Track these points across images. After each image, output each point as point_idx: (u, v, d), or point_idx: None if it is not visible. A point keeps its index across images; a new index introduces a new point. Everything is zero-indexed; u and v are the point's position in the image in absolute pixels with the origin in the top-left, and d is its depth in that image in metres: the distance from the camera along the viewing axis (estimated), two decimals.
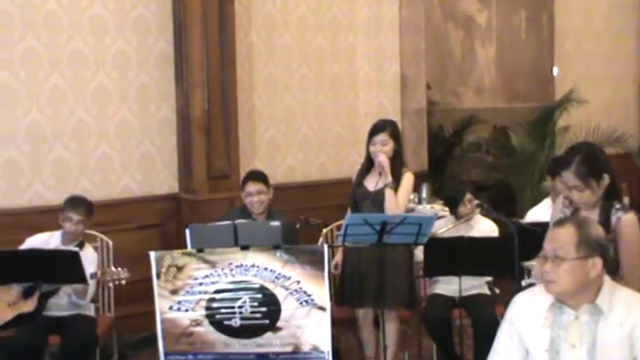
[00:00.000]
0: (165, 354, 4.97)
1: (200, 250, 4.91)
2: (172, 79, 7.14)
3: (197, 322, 4.91)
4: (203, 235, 5.27)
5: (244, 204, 5.93)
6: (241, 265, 4.86)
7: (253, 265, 4.85)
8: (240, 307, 4.88)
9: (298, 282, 4.82)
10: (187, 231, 5.30)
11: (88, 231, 5.97)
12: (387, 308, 5.58)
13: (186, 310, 4.90)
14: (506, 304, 3.63)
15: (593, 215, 4.11)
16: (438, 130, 10.02)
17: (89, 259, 5.53)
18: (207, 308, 4.89)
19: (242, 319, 4.87)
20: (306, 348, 4.86)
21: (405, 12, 8.56)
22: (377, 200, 5.62)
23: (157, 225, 7.10)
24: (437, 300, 5.91)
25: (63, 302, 5.57)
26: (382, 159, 5.60)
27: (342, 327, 6.11)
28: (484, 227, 6.00)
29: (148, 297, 4.96)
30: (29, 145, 6.53)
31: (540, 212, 6.17)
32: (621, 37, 11.15)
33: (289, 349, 4.87)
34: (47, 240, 5.68)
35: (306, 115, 7.93)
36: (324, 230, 6.24)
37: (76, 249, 5.40)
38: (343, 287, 5.81)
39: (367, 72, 8.31)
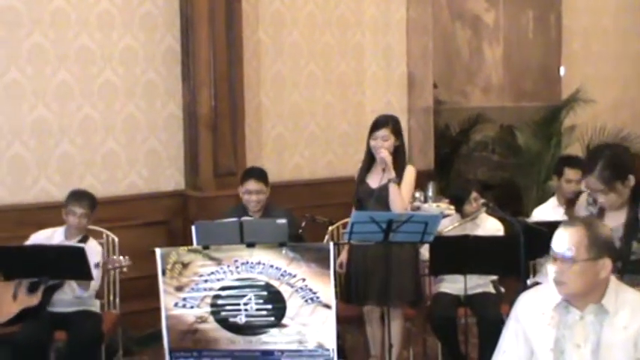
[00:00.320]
0: (171, 351, 4.97)
1: (206, 247, 4.92)
2: (179, 76, 7.15)
3: (202, 319, 4.91)
4: (209, 232, 5.26)
5: (241, 201, 5.91)
6: (247, 263, 4.86)
7: (259, 263, 4.85)
8: (245, 304, 4.88)
9: (304, 279, 4.82)
10: (193, 228, 5.30)
11: (93, 227, 5.99)
12: (393, 306, 5.57)
13: (192, 307, 4.91)
14: (511, 302, 3.62)
15: (621, 215, 4.10)
16: (445, 129, 10.01)
17: (93, 252, 5.53)
18: (213, 305, 4.90)
19: (247, 316, 4.87)
20: (311, 345, 4.86)
21: (412, 11, 8.55)
22: (381, 197, 5.60)
23: (163, 222, 7.11)
24: (442, 298, 5.90)
25: (68, 298, 5.58)
26: (384, 155, 5.58)
27: (348, 325, 6.11)
28: (490, 226, 6.00)
29: (154, 293, 4.96)
30: (35, 140, 6.54)
31: (546, 211, 6.15)
32: (629, 37, 11.13)
33: (294, 346, 4.87)
34: (50, 236, 5.70)
35: (314, 112, 7.93)
36: (330, 228, 6.23)
37: (82, 245, 5.42)
38: (349, 285, 5.81)
39: (375, 70, 8.31)
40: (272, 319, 4.87)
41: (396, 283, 5.51)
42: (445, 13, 10.36)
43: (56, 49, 6.57)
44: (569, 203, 5.97)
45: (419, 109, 8.74)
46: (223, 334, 4.91)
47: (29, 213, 6.35)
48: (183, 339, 4.96)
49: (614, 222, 4.06)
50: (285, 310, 4.85)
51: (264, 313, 4.88)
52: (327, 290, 4.82)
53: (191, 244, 5.21)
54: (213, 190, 7.01)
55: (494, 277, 6.00)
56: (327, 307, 4.83)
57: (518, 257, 4.80)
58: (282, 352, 4.89)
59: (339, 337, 5.11)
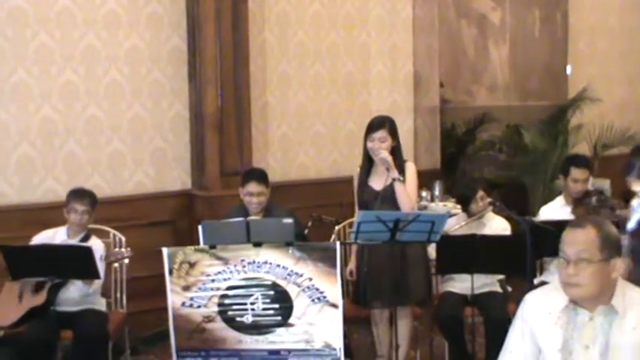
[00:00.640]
0: (178, 350, 4.99)
1: (212, 247, 4.93)
2: (185, 76, 7.15)
3: (209, 319, 4.93)
4: (216, 231, 5.26)
5: (242, 202, 5.89)
6: (254, 262, 4.88)
7: (266, 262, 4.87)
8: (252, 303, 4.89)
9: (310, 279, 4.84)
10: (200, 227, 5.30)
11: (100, 226, 6.01)
12: (404, 305, 5.56)
13: (199, 307, 4.92)
14: (518, 302, 3.61)
15: None
16: (451, 128, 10.01)
17: (96, 250, 5.52)
18: (220, 305, 4.92)
19: (254, 315, 4.89)
20: (318, 345, 4.87)
21: (418, 10, 8.55)
22: (386, 197, 5.58)
23: (170, 221, 7.11)
24: (449, 298, 5.90)
25: (74, 297, 5.59)
26: (385, 155, 5.55)
27: (355, 324, 6.11)
28: (496, 225, 5.99)
29: (161, 293, 4.98)
30: (42, 140, 6.54)
31: (553, 210, 6.15)
32: (635, 36, 11.12)
33: (301, 345, 4.88)
34: (53, 236, 5.72)
35: (319, 112, 7.93)
36: (337, 227, 6.23)
37: (89, 245, 5.43)
38: (360, 288, 5.76)
39: (380, 70, 8.30)
40: (279, 318, 4.89)
41: (411, 280, 5.51)
42: (451, 12, 10.36)
43: (62, 49, 6.57)
44: (576, 202, 6.00)
45: (425, 108, 8.74)
46: (230, 334, 4.93)
47: (36, 213, 6.35)
48: (191, 338, 4.97)
49: None
50: (292, 309, 4.87)
51: (271, 312, 4.89)
52: (333, 290, 4.83)
53: (198, 243, 5.22)
54: (220, 189, 7.01)
55: (501, 277, 5.99)
56: (334, 306, 4.84)
57: (524, 256, 4.80)
58: (289, 351, 4.91)
59: (346, 336, 5.11)
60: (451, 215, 6.14)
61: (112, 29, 6.79)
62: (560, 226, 3.70)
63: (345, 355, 4.95)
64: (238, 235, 5.06)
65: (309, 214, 5.78)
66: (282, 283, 4.87)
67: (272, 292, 4.89)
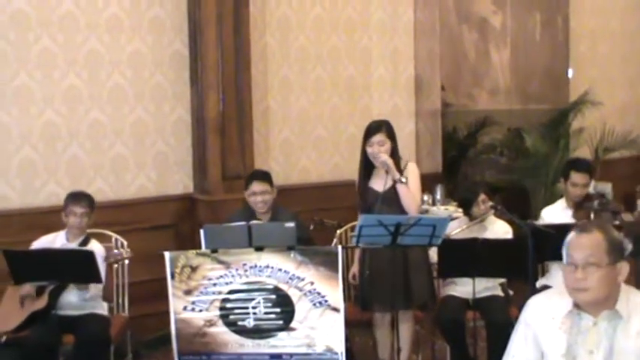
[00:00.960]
0: (180, 354, 5.00)
1: (214, 251, 4.94)
2: (187, 80, 7.16)
3: (211, 323, 4.93)
4: (217, 235, 5.27)
5: (247, 204, 5.92)
6: (255, 266, 4.88)
7: (267, 266, 4.87)
8: (254, 307, 4.90)
9: (312, 283, 4.84)
10: (202, 231, 5.31)
11: (102, 230, 6.01)
12: (407, 308, 5.56)
13: (201, 311, 4.93)
14: (520, 306, 3.62)
15: None
16: (453, 132, 10.02)
17: (97, 253, 5.53)
18: (222, 309, 4.92)
19: (256, 319, 4.90)
20: (319, 349, 4.88)
21: (419, 14, 8.56)
22: (387, 199, 5.58)
23: (172, 225, 7.12)
24: (450, 302, 5.90)
25: (75, 301, 5.59)
26: (385, 158, 5.55)
27: (357, 328, 6.11)
28: (498, 228, 5.99)
29: (162, 297, 4.99)
30: (44, 144, 6.55)
31: (555, 212, 6.16)
32: (636, 39, 11.12)
33: (303, 349, 4.89)
34: (52, 240, 5.72)
35: (321, 116, 7.94)
36: (339, 231, 6.24)
37: (90, 249, 5.43)
38: (364, 291, 5.77)
39: (382, 74, 8.32)
40: (280, 322, 4.89)
41: (413, 284, 5.51)
42: (452, 15, 10.38)
43: (65, 53, 6.58)
44: (577, 206, 6.01)
45: (426, 112, 8.75)
46: (232, 338, 4.94)
47: (38, 216, 6.36)
48: (192, 342, 4.98)
49: None
50: (294, 313, 4.87)
51: (272, 316, 4.90)
52: (335, 293, 4.83)
53: (199, 247, 5.22)
54: (222, 193, 7.02)
55: (503, 280, 5.99)
56: (336, 310, 4.84)
57: (526, 260, 4.81)
58: (291, 355, 4.91)
59: (348, 340, 5.12)
60: (453, 219, 6.15)
61: (115, 33, 6.80)
62: (561, 229, 3.71)
63: (347, 359, 4.95)
64: (240, 239, 5.07)
65: (311, 218, 5.78)
66: (283, 287, 4.88)
67: (274, 296, 4.90)
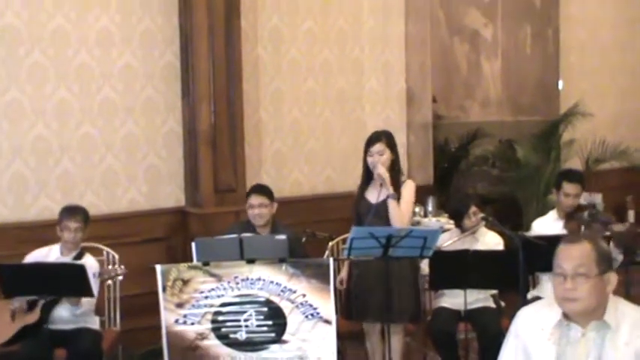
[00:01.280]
0: None
1: (206, 264, 4.94)
2: (179, 93, 7.16)
3: (203, 336, 4.93)
4: (209, 248, 5.27)
5: (247, 217, 5.96)
6: (247, 279, 4.88)
7: (259, 279, 4.88)
8: (246, 320, 4.90)
9: (304, 295, 4.85)
10: (193, 244, 5.31)
11: (93, 244, 6.00)
12: (390, 322, 5.57)
13: (192, 324, 4.92)
14: (511, 317, 3.63)
15: None
16: (444, 144, 10.03)
17: (90, 267, 5.52)
18: (213, 322, 4.92)
19: (248, 332, 4.89)
20: None
21: (411, 26, 8.58)
22: (379, 212, 5.62)
23: (163, 238, 7.10)
24: (442, 313, 5.90)
25: (67, 315, 5.58)
26: (382, 171, 5.61)
27: (349, 340, 6.11)
28: (489, 240, 6.01)
29: (154, 310, 4.98)
30: (35, 158, 6.54)
31: (546, 224, 6.18)
32: (627, 51, 11.17)
33: None
34: (46, 254, 5.71)
35: (313, 128, 7.94)
36: (330, 243, 6.25)
37: (82, 263, 5.42)
38: (349, 301, 5.81)
39: (373, 86, 8.32)
40: (273, 334, 4.89)
41: (396, 300, 5.51)
42: (443, 28, 10.40)
43: (56, 67, 6.58)
44: (568, 217, 6.03)
45: (418, 124, 8.76)
46: (224, 351, 4.93)
47: (30, 231, 6.35)
48: (184, 356, 4.97)
49: None
50: (286, 325, 4.88)
51: (264, 329, 4.90)
52: (327, 306, 4.84)
53: (191, 260, 5.22)
54: (213, 206, 7.01)
55: (495, 292, 6.00)
56: (328, 322, 4.85)
57: (517, 271, 4.81)
58: None
59: (340, 352, 5.12)
60: (444, 231, 6.16)
61: (106, 47, 6.80)
62: (552, 241, 3.71)
63: None
64: (232, 251, 5.07)
65: (303, 230, 5.80)
66: (275, 299, 4.88)
67: (266, 309, 4.90)
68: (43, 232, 6.09)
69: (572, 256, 3.28)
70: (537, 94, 10.65)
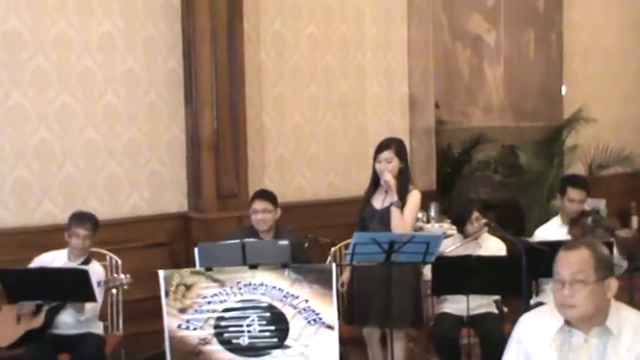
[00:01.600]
0: None
1: (209, 269, 4.93)
2: (181, 98, 7.16)
3: (206, 341, 4.92)
4: (212, 253, 5.28)
5: (251, 223, 5.97)
6: (250, 284, 4.88)
7: (262, 284, 4.87)
8: (248, 325, 4.89)
9: (306, 300, 4.84)
10: (196, 250, 5.31)
11: (97, 249, 6.01)
12: (386, 327, 5.56)
13: (195, 329, 4.91)
14: (514, 323, 3.62)
15: None
16: (447, 149, 10.02)
17: (96, 273, 5.55)
18: (216, 327, 4.91)
19: (250, 337, 4.88)
20: None
21: (413, 32, 8.58)
22: (383, 219, 5.63)
23: (166, 243, 7.10)
24: (445, 319, 5.90)
25: (71, 320, 5.59)
26: (388, 178, 5.62)
27: (351, 345, 6.10)
28: (492, 246, 6.00)
29: (157, 315, 4.97)
30: (38, 163, 6.55)
31: (550, 230, 6.16)
32: (630, 56, 11.16)
33: None
34: (53, 259, 5.72)
35: (315, 133, 7.94)
36: (333, 249, 6.25)
37: (86, 267, 5.43)
38: (351, 306, 5.81)
39: (376, 91, 8.32)
40: (275, 340, 4.88)
41: (396, 307, 5.50)
42: (446, 33, 10.40)
43: (59, 72, 6.59)
44: (572, 222, 6.01)
45: (420, 129, 8.76)
46: (227, 356, 4.92)
47: (33, 235, 6.35)
48: None
49: None
50: (288, 331, 4.87)
51: (267, 334, 4.89)
52: (329, 311, 4.83)
53: (194, 265, 5.22)
54: (216, 211, 7.01)
55: (497, 297, 6.00)
56: (330, 327, 4.84)
57: (520, 277, 4.81)
58: None
59: (342, 357, 5.11)
60: (447, 236, 6.16)
61: (109, 52, 6.81)
62: (555, 246, 3.71)
63: None
64: (234, 257, 5.08)
65: (305, 236, 5.80)
66: (278, 305, 4.87)
67: (268, 314, 4.89)
68: (45, 237, 6.10)
69: (570, 263, 3.28)
70: (540, 100, 10.64)
